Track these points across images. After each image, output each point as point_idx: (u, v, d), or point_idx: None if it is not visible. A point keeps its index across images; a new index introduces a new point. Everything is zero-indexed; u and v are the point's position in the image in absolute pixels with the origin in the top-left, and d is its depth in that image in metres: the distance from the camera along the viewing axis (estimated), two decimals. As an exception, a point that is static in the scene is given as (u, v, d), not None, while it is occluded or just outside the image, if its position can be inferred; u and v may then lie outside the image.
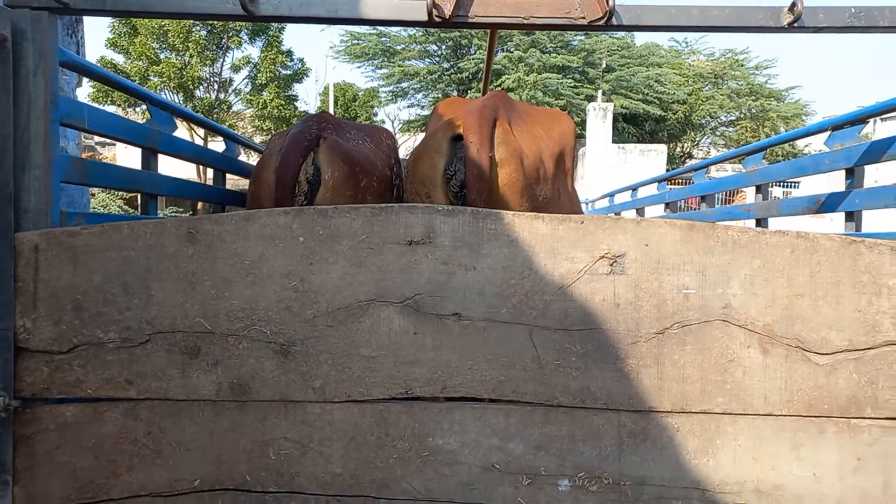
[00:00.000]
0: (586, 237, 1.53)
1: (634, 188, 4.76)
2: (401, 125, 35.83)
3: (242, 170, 2.98)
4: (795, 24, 1.54)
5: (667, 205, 3.90)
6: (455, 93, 26.68)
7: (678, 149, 31.61)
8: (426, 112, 27.99)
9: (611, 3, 1.52)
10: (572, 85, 23.51)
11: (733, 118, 32.38)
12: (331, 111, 27.64)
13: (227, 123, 23.20)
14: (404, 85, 26.81)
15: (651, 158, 20.48)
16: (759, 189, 2.74)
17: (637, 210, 4.55)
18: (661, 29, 1.60)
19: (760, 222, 2.75)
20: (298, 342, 1.53)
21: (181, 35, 20.06)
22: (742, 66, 29.49)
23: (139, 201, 2.16)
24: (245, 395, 1.53)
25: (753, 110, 30.80)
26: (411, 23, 1.59)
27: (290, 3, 1.56)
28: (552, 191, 2.61)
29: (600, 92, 22.61)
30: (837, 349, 1.50)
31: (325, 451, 1.53)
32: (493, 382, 1.53)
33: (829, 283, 1.50)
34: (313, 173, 2.39)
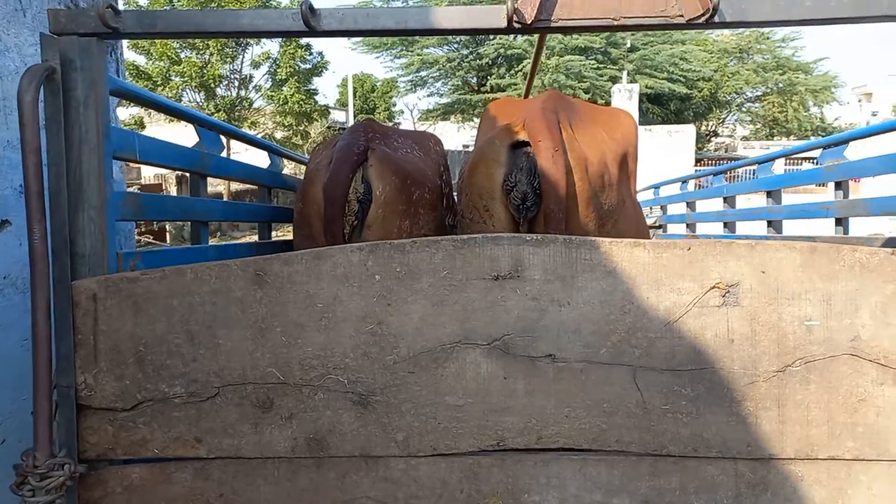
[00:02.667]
0: (694, 265, 1.37)
1: (684, 180, 4.55)
2: (420, 115, 35.63)
3: (288, 185, 2.85)
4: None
5: (725, 199, 3.70)
6: (474, 80, 26.36)
7: (703, 127, 30.96)
8: (445, 100, 27.72)
9: None
10: (595, 66, 23.04)
11: (759, 93, 31.58)
12: (350, 103, 27.54)
13: (248, 120, 23.24)
14: (423, 74, 26.51)
15: (678, 139, 20.05)
16: (839, 186, 2.54)
17: (688, 204, 4.34)
18: (769, 24, 1.43)
19: (841, 222, 2.55)
20: (378, 391, 1.40)
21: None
22: (768, 38, 28.65)
23: (189, 228, 2.04)
24: (323, 451, 1.40)
25: (780, 84, 29.96)
26: (489, 30, 1.44)
27: (354, 15, 1.41)
28: (617, 198, 2.44)
29: (625, 73, 22.11)
30: None
31: (412, 509, 1.40)
32: (593, 431, 1.39)
33: (976, 311, 1.33)
34: (364, 190, 2.25)
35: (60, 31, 1.40)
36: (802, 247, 1.36)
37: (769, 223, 3.18)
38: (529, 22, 1.39)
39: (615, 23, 1.41)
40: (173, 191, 20.83)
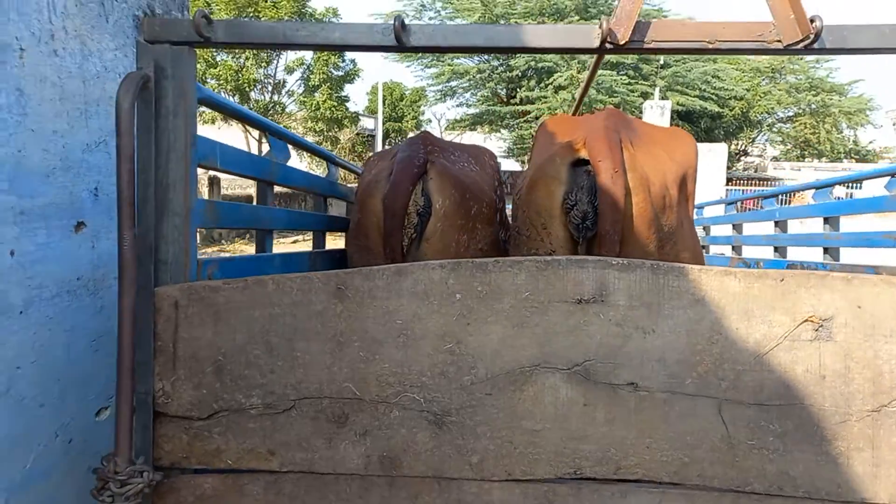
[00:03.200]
0: (787, 297, 1.33)
1: (730, 202, 4.47)
2: (447, 124, 35.72)
3: (343, 194, 2.86)
4: None
5: (776, 223, 3.62)
6: (504, 91, 26.39)
7: (733, 146, 30.63)
8: (473, 111, 27.77)
9: (818, 24, 1.32)
10: (626, 82, 22.93)
11: (791, 114, 31.16)
12: (379, 110, 27.72)
13: (281, 125, 23.51)
14: (453, 84, 26.62)
15: (711, 158, 19.85)
16: (908, 216, 2.48)
17: (734, 226, 4.27)
18: (870, 52, 1.39)
19: (909, 253, 2.49)
20: (454, 412, 1.38)
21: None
22: (801, 59, 28.30)
23: (256, 237, 2.05)
24: (396, 470, 1.38)
25: (813, 105, 29.54)
26: (579, 50, 1.42)
27: (444, 32, 1.40)
28: (676, 219, 2.40)
29: (656, 89, 21.97)
30: None
31: (484, 533, 1.38)
32: (674, 464, 1.35)
33: None
34: (424, 203, 2.24)
35: (154, 38, 1.41)
36: (901, 282, 1.31)
37: (825, 250, 3.11)
38: (623, 43, 1.37)
39: (710, 46, 1.38)
40: (205, 192, 21.12)
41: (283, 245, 16.73)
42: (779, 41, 1.37)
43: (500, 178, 2.81)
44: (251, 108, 21.90)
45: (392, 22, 1.37)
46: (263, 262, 1.86)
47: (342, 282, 1.38)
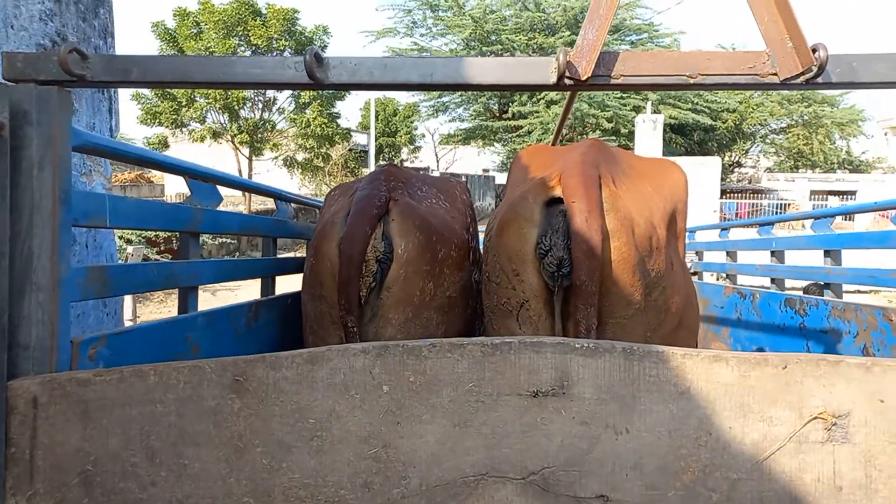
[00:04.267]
0: (791, 388, 1.07)
1: (725, 228, 4.22)
2: (440, 139, 35.56)
3: (297, 233, 2.60)
4: None
5: (773, 254, 3.38)
6: (496, 106, 26.31)
7: (726, 158, 30.60)
8: (466, 125, 27.70)
9: (821, 54, 1.07)
10: (618, 96, 22.85)
11: (784, 125, 31.20)
12: (371, 126, 27.55)
13: (271, 142, 23.33)
14: (445, 99, 26.57)
15: (704, 172, 19.72)
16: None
17: (728, 253, 4.02)
18: (881, 86, 1.14)
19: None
20: (382, 533, 1.11)
21: (227, 51, 20.21)
22: (796, 72, 28.26)
23: (178, 295, 1.77)
24: None
25: (805, 117, 29.59)
26: (534, 87, 1.17)
27: (370, 66, 1.15)
28: (665, 262, 2.14)
29: (649, 103, 21.86)
30: None
31: None
32: None
33: None
34: (384, 248, 1.98)
35: (16, 77, 1.16)
36: (934, 370, 1.05)
37: (826, 285, 2.86)
38: (584, 78, 1.12)
39: (691, 81, 1.13)
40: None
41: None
42: (774, 74, 1.12)
43: (474, 213, 2.55)
44: (241, 127, 21.70)
45: (304, 56, 1.12)
46: (179, 328, 1.60)
47: (241, 372, 1.12)
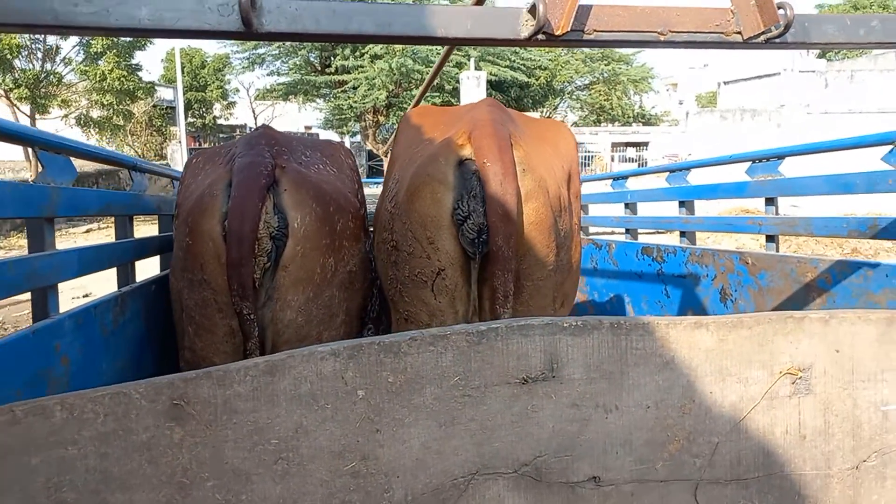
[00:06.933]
0: (763, 347, 1.09)
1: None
2: (257, 93, 33.52)
3: (155, 208, 2.22)
4: None
5: (626, 206, 3.59)
6: (317, 60, 25.28)
7: (540, 113, 32.55)
8: (285, 80, 26.32)
9: (789, 13, 1.07)
10: (441, 50, 23.03)
11: (587, 82, 33.82)
12: (178, 80, 25.17)
13: (58, 98, 20.42)
14: (261, 51, 24.93)
15: (525, 126, 20.61)
16: (769, 202, 2.47)
17: (581, 207, 4.24)
18: (833, 46, 1.18)
19: (772, 239, 2.49)
20: (366, 555, 0.97)
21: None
22: (595, 29, 30.56)
23: (32, 297, 1.41)
24: None
25: (605, 74, 32.32)
26: (503, 42, 1.04)
27: (316, 12, 0.94)
28: (570, 223, 2.15)
29: (472, 60, 22.35)
30: None
31: None
32: (650, 570, 1.07)
33: None
34: (278, 223, 1.76)
35: None
36: (879, 317, 1.13)
37: (682, 233, 3.10)
38: (559, 33, 1.02)
39: (661, 38, 1.08)
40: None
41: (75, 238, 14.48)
42: (738, 33, 1.10)
43: (359, 178, 2.37)
44: (17, 80, 18.68)
45: (238, -5, 0.89)
46: (44, 338, 1.27)
47: (179, 394, 0.90)
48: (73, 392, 0.87)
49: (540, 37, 1.02)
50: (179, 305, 1.89)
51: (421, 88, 3.33)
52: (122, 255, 1.90)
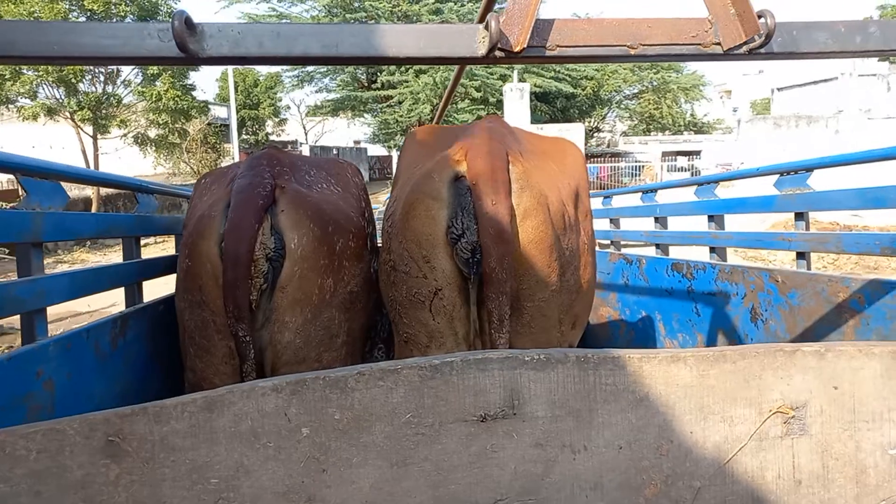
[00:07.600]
0: (750, 383, 1.00)
1: (607, 195, 4.30)
2: (307, 110, 34.25)
3: (164, 228, 2.25)
4: None
5: (656, 220, 3.47)
6: (364, 76, 25.70)
7: (587, 124, 32.23)
8: (334, 96, 26.86)
9: (769, 22, 0.98)
10: (485, 65, 23.07)
11: (636, 91, 33.34)
12: (231, 98, 25.94)
13: (118, 119, 21.31)
14: (310, 69, 25.50)
15: (569, 139, 20.44)
16: (799, 216, 2.33)
17: (612, 221, 4.11)
18: (826, 55, 1.08)
19: (802, 256, 2.34)
20: None
21: (56, 17, 17.94)
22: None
23: (21, 321, 1.42)
24: None
25: (655, 83, 31.79)
26: (459, 60, 1.00)
27: (258, 35, 0.92)
28: (577, 241, 2.07)
29: (515, 72, 22.31)
30: None
31: None
32: None
33: None
34: (274, 244, 1.74)
35: None
36: (883, 351, 1.02)
37: (712, 249, 2.96)
38: (517, 50, 0.96)
39: (631, 52, 1.01)
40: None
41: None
42: (718, 44, 1.02)
43: (367, 196, 2.35)
44: (81, 102, 19.56)
45: (172, 22, 0.87)
46: (25, 362, 1.28)
47: (115, 430, 0.87)
48: (5, 428, 0.86)
49: (498, 54, 0.96)
50: (182, 326, 1.90)
51: (440, 106, 3.30)
52: (123, 277, 1.92)
